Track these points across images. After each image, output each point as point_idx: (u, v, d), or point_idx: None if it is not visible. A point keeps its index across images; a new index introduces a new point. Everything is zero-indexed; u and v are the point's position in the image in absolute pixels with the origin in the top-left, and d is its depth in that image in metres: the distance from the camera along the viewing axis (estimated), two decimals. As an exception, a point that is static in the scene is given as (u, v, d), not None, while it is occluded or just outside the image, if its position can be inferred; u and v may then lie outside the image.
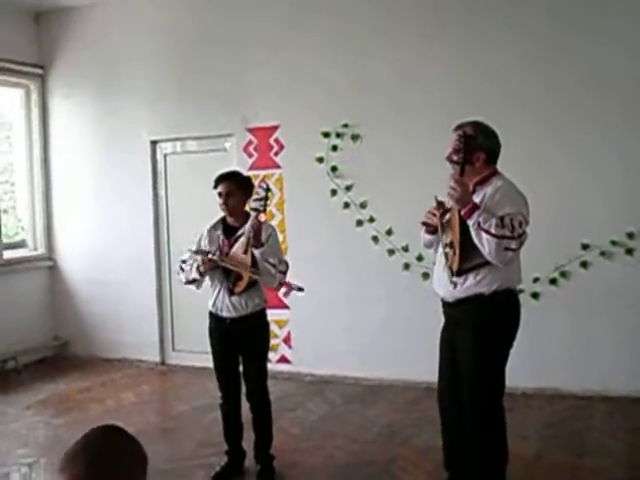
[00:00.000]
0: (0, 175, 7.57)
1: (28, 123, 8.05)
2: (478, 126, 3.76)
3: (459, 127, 3.76)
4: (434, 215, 3.81)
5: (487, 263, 3.59)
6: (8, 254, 7.67)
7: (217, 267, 4.38)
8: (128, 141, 7.65)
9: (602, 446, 4.87)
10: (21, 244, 8.04)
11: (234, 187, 4.43)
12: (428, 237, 3.96)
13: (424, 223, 3.91)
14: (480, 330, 3.67)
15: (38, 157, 8.05)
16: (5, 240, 7.69)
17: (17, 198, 8.12)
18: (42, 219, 8.09)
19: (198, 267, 4.39)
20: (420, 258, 6.11)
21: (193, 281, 4.49)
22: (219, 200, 4.42)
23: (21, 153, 8.06)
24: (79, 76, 7.89)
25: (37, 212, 8.09)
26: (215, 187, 4.45)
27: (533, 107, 5.97)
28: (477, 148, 3.69)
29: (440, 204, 3.80)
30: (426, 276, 5.89)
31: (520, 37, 6.01)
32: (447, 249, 3.71)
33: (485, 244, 3.49)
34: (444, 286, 3.78)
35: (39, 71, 8.00)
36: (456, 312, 3.79)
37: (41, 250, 8.09)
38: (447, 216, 3.76)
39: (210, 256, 4.32)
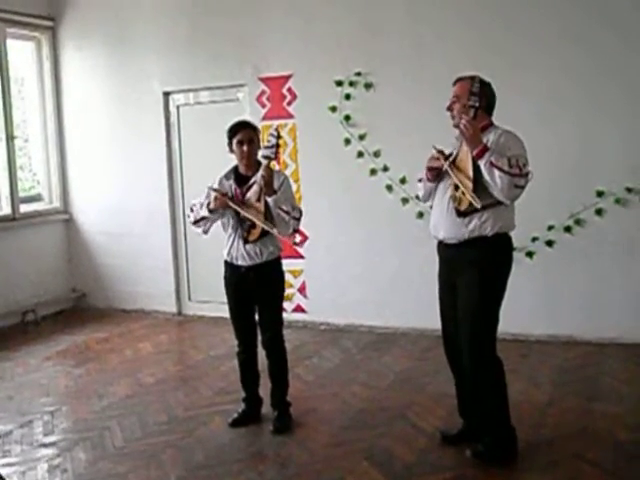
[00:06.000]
0: (14, 130, 7.56)
1: (40, 76, 8.02)
2: (480, 78, 3.89)
3: (460, 79, 3.96)
4: (438, 159, 3.93)
5: (491, 205, 3.78)
6: (24, 208, 7.72)
7: (226, 208, 4.37)
8: (141, 93, 7.62)
9: (615, 392, 4.91)
10: (37, 198, 8.08)
11: (254, 134, 4.45)
12: (429, 185, 4.06)
13: (429, 168, 3.98)
14: (484, 268, 3.84)
15: (51, 111, 8.05)
16: (21, 194, 7.73)
17: (32, 153, 8.14)
18: (57, 173, 8.12)
19: (209, 204, 4.40)
20: (434, 207, 6.09)
21: (201, 219, 4.49)
22: (239, 148, 4.41)
23: (34, 107, 8.05)
24: (90, 27, 7.83)
25: (52, 166, 8.12)
26: (233, 135, 4.44)
27: (551, 51, 5.86)
28: (484, 96, 3.86)
29: (440, 152, 3.96)
30: (440, 225, 5.88)
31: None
32: (454, 192, 3.85)
33: (498, 181, 3.67)
34: (446, 228, 3.92)
35: (49, 23, 7.93)
36: (458, 253, 3.91)
37: (57, 203, 8.14)
38: (450, 159, 3.90)
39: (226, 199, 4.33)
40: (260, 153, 4.39)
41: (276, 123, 6.80)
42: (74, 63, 7.97)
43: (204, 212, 4.44)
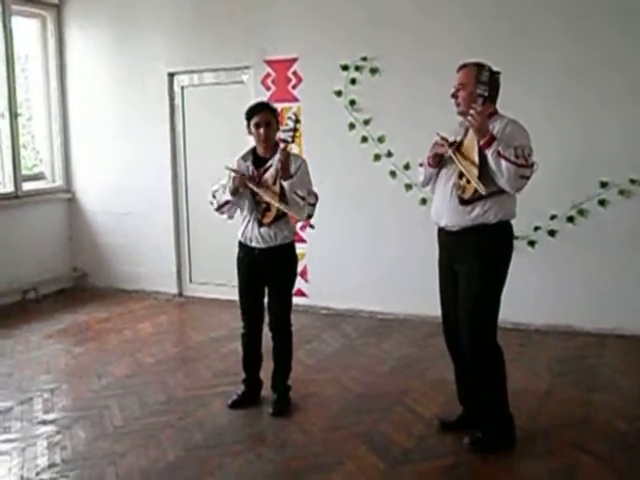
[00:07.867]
0: (17, 108, 7.53)
1: (44, 55, 7.99)
2: (490, 67, 3.84)
3: (465, 66, 3.93)
4: (442, 146, 3.92)
5: (494, 194, 3.77)
6: (27, 186, 7.71)
7: (245, 188, 4.35)
8: (145, 73, 7.59)
9: (613, 382, 4.92)
10: (39, 176, 8.07)
11: (272, 117, 4.43)
12: (430, 170, 4.05)
13: (433, 155, 3.97)
14: (486, 256, 3.84)
15: (55, 89, 8.02)
16: (24, 172, 7.72)
17: (35, 131, 8.12)
18: (60, 152, 8.11)
19: (229, 187, 4.37)
20: (437, 194, 6.08)
21: (225, 204, 4.45)
22: (256, 130, 4.38)
23: (38, 85, 8.02)
24: (95, 6, 7.79)
25: (55, 145, 8.10)
26: (251, 117, 4.40)
27: (554, 45, 5.84)
28: (493, 85, 3.85)
29: (444, 139, 3.95)
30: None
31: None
32: (458, 180, 3.85)
33: (504, 171, 3.66)
34: (449, 215, 3.91)
35: (55, 1, 7.89)
36: (459, 240, 3.91)
37: (59, 182, 8.13)
38: (455, 146, 3.89)
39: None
40: (278, 136, 4.36)
41: (281, 106, 6.77)
42: (79, 42, 7.93)
43: (227, 196, 4.41)
